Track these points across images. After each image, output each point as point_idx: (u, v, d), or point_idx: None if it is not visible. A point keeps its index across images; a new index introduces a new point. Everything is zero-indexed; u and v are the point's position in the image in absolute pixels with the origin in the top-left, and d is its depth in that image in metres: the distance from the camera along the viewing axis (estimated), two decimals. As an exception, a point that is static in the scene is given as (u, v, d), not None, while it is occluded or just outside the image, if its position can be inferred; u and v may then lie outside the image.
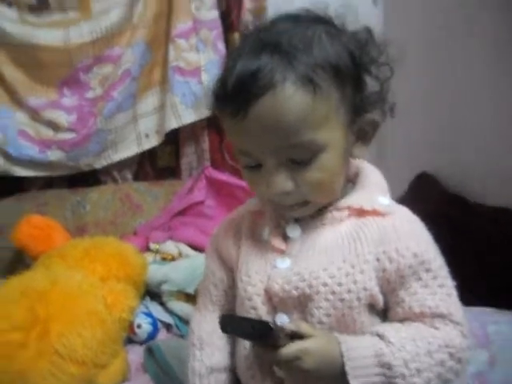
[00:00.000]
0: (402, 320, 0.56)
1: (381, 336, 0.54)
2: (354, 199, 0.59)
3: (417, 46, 1.41)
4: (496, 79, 1.17)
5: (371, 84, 0.58)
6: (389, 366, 0.52)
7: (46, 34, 1.41)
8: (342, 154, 0.56)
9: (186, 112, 1.50)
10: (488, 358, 0.78)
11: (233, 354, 0.65)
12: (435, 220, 1.29)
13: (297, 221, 0.61)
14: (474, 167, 1.27)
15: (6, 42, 1.39)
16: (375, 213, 0.58)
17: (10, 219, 1.36)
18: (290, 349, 0.52)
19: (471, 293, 1.00)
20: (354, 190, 0.61)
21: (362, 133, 0.59)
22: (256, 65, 0.52)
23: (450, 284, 0.57)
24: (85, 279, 1.01)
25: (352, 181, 0.63)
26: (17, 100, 1.44)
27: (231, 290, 0.66)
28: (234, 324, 0.56)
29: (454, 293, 0.57)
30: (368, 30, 0.59)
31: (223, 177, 1.48)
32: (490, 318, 0.86)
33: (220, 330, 0.56)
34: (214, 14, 1.50)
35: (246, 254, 0.63)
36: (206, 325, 0.67)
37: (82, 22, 1.44)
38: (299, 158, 0.54)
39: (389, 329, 0.55)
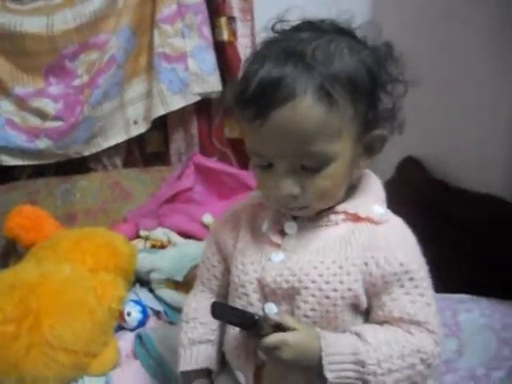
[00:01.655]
0: (381, 322, 0.59)
1: (359, 335, 0.57)
2: (351, 205, 0.62)
3: (406, 30, 1.40)
4: (482, 68, 1.17)
5: (384, 100, 0.60)
6: (363, 364, 0.55)
7: (30, 21, 1.39)
8: (348, 165, 0.59)
9: (173, 98, 1.50)
10: (457, 347, 0.81)
11: (221, 332, 0.71)
12: (417, 204, 1.31)
13: (295, 219, 0.64)
14: (457, 153, 1.29)
15: (-11, 31, 1.38)
16: (369, 220, 0.61)
17: (2, 208, 1.38)
18: (271, 339, 0.56)
19: (448, 278, 1.03)
20: (354, 196, 0.64)
21: (369, 146, 0.61)
22: (280, 73, 0.53)
23: (430, 294, 0.59)
24: (74, 271, 1.03)
25: (354, 186, 0.65)
26: (2, 89, 1.43)
27: (222, 277, 0.72)
28: (223, 312, 0.60)
29: (434, 303, 0.60)
30: (388, 46, 0.60)
31: (211, 163, 1.49)
32: (464, 305, 0.89)
33: (209, 311, 0.59)
34: (199, -2, 1.48)
35: (244, 245, 0.66)
36: (194, 302, 0.73)
37: (66, 8, 1.41)
38: (310, 165, 0.57)
39: (368, 329, 0.58)
